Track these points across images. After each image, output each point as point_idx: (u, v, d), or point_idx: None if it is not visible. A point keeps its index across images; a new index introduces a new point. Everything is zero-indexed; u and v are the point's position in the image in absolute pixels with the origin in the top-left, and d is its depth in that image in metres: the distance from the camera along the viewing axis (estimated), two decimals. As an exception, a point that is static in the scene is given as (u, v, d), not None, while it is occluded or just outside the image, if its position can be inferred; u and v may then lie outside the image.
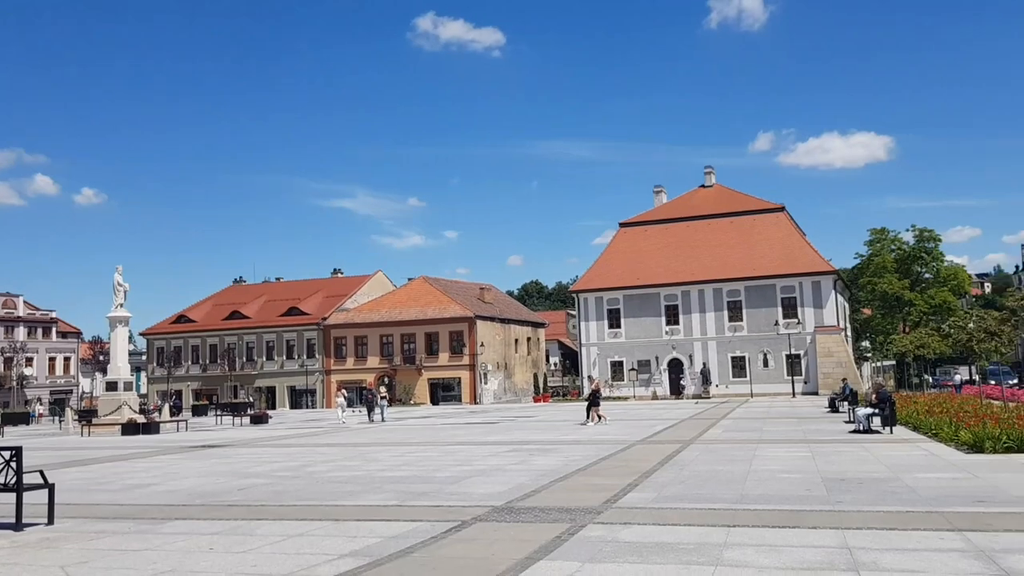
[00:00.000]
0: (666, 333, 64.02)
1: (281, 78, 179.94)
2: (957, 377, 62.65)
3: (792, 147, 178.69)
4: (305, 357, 72.31)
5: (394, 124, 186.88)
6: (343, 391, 45.00)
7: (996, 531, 7.90)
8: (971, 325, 22.83)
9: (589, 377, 60.93)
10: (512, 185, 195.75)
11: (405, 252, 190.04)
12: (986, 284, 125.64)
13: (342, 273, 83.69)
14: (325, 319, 71.74)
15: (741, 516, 9.34)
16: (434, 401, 67.09)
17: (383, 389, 42.88)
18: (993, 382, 48.35)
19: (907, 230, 73.43)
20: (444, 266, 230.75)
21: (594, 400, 30.29)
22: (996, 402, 26.40)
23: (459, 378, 67.73)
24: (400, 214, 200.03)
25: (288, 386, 73.13)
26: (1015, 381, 49.21)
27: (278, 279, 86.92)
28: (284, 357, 73.58)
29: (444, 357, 68.05)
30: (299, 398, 72.82)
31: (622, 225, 72.08)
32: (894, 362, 69.59)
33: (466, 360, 67.31)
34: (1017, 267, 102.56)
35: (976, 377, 62.50)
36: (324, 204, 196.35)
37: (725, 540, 7.99)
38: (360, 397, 59.82)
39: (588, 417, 29.73)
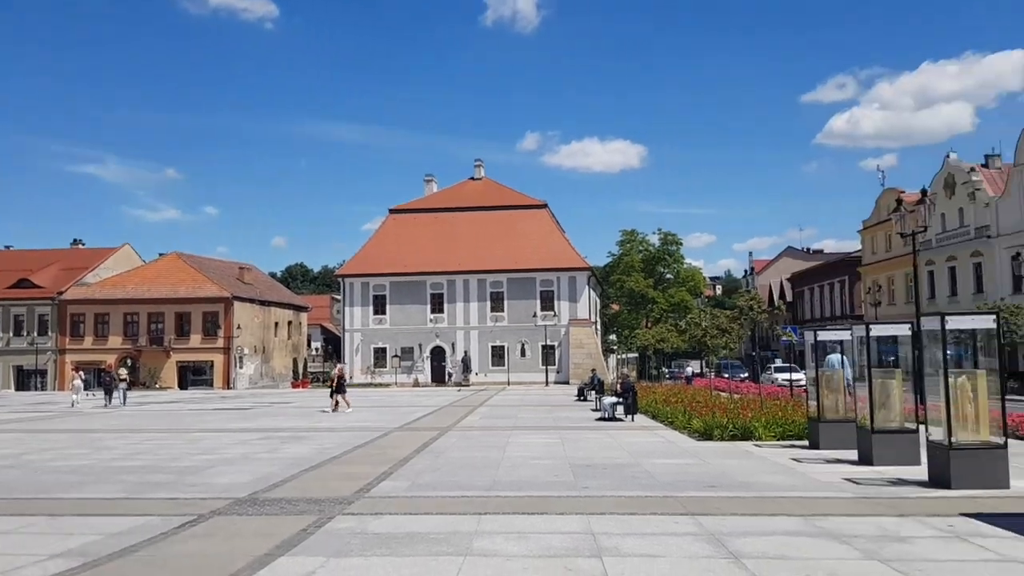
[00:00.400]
0: (431, 321, 64.44)
1: (26, 27, 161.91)
2: (689, 369, 67.84)
3: (556, 148, 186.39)
4: (36, 334, 65.58)
5: (152, 88, 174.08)
6: (79, 372, 41.17)
7: (724, 515, 8.43)
8: (705, 323, 24.75)
9: (335, 363, 59.70)
10: (280, 164, 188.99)
11: (158, 226, 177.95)
12: (718, 286, 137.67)
13: (83, 244, 76.77)
14: (61, 293, 65.43)
15: (493, 503, 9.37)
16: (183, 385, 63.26)
17: (123, 371, 39.64)
18: (728, 375, 52.97)
19: (653, 233, 78.84)
20: (202, 243, 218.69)
21: (339, 386, 29.26)
22: (724, 394, 28.82)
23: (212, 361, 64.33)
24: (155, 185, 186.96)
25: (14, 365, 66.03)
26: (746, 375, 54.39)
27: (7, 247, 78.18)
28: (11, 334, 66.32)
29: (197, 339, 64.33)
30: (27, 379, 65.96)
31: (392, 211, 71.67)
32: (637, 354, 74.45)
33: (221, 343, 64.04)
34: (745, 272, 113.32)
35: (707, 370, 68.37)
36: (66, 169, 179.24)
37: (476, 528, 7.95)
38: (98, 379, 55.13)
39: (333, 403, 28.73)
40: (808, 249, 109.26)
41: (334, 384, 29.67)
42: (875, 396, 12.37)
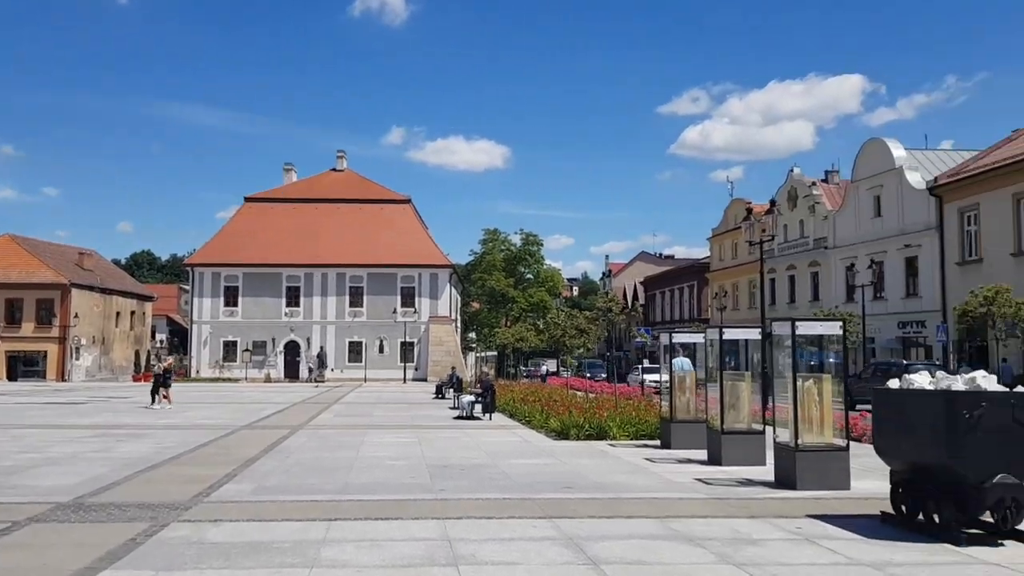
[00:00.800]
0: (285, 315, 62.51)
1: None
2: (544, 368, 68.80)
3: (422, 144, 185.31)
4: None
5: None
6: None
7: (582, 518, 8.32)
8: (564, 323, 24.99)
9: (158, 355, 56.71)
10: (130, 145, 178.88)
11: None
12: (575, 287, 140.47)
13: (-102, 221, 70.01)
14: None
15: (344, 508, 8.92)
16: (11, 377, 58.72)
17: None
18: (589, 375, 53.88)
19: (515, 233, 79.52)
20: (40, 226, 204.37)
21: (164, 381, 27.39)
22: (580, 393, 29.22)
23: (45, 352, 60.06)
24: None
25: None
26: (605, 375, 55.53)
27: None
28: None
29: (29, 327, 59.89)
30: None
31: (248, 200, 69.04)
32: (496, 353, 74.91)
33: (56, 332, 59.88)
34: (603, 274, 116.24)
35: (563, 369, 69.50)
36: None
37: (325, 536, 7.49)
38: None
39: (154, 400, 26.94)
40: (661, 254, 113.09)
41: (159, 378, 27.53)
42: (725, 398, 12.68)
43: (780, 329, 10.75)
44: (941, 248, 38.82)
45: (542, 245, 78.54)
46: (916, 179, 41.21)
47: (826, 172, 56.44)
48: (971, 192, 36.89)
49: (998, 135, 46.43)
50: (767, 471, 11.47)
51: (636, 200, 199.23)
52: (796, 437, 10.19)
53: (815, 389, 10.31)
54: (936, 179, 39.60)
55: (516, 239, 78.11)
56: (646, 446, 15.55)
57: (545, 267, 79.70)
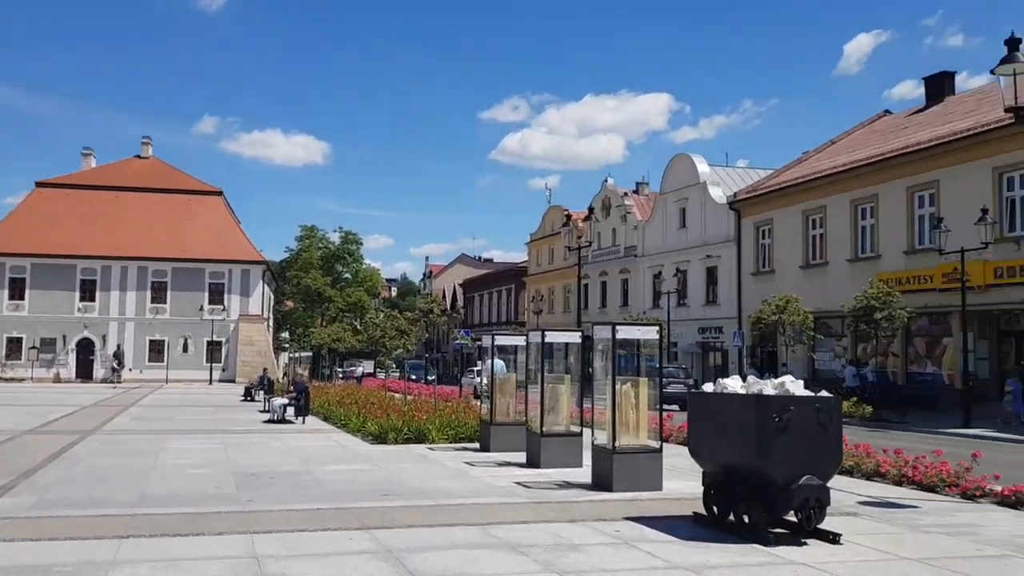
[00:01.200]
0: (79, 310, 57.86)
1: None
2: (359, 370, 67.48)
3: (236, 135, 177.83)
4: None
5: None
6: None
7: (401, 527, 8.00)
8: (384, 324, 24.53)
9: None
10: None
11: None
12: (394, 288, 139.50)
13: None
14: None
15: (139, 523, 8.13)
16: None
17: None
18: (414, 377, 53.12)
19: (334, 231, 77.86)
20: None
21: None
22: (398, 395, 28.81)
23: None
24: None
25: None
26: (434, 377, 55.10)
27: None
28: None
29: None
30: None
31: (39, 185, 63.37)
32: (311, 353, 72.92)
33: None
34: (424, 275, 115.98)
35: (380, 371, 68.62)
36: None
37: (115, 557, 6.75)
38: None
39: None
40: (480, 257, 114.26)
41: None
42: (545, 400, 12.74)
43: (600, 333, 10.89)
44: (738, 259, 41.41)
45: (361, 244, 77.43)
46: (718, 194, 43.77)
47: (637, 184, 58.98)
48: (766, 208, 39.59)
49: (785, 156, 49.99)
50: (584, 473, 11.60)
51: (457, 203, 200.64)
52: (614, 439, 10.34)
53: (632, 392, 10.52)
54: (735, 194, 42.21)
55: (335, 237, 76.50)
56: (465, 449, 15.41)
57: (364, 266, 78.51)
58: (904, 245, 31.35)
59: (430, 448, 15.53)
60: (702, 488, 8.38)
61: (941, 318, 29.94)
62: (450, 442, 16.40)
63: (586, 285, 58.83)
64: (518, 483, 11.10)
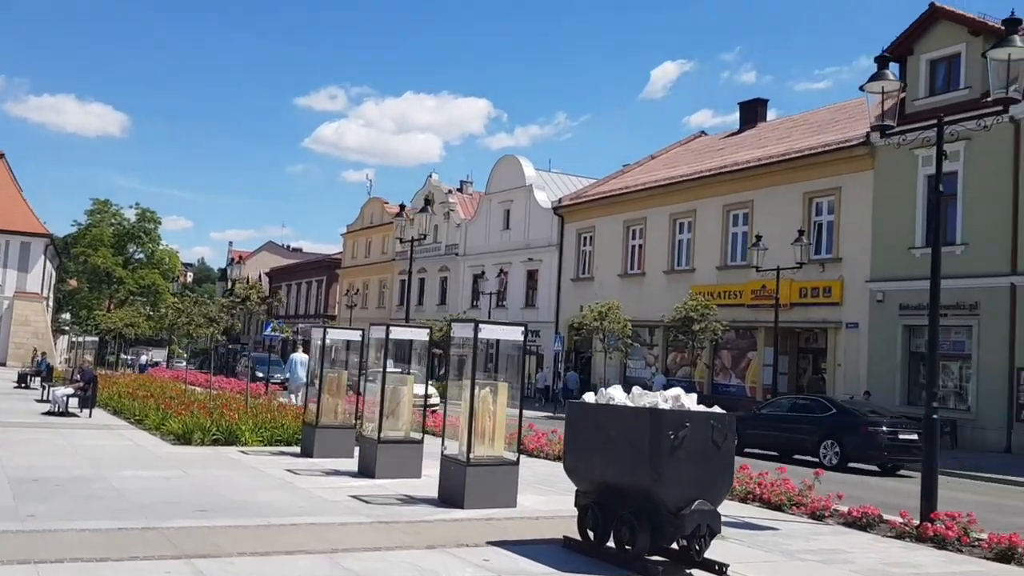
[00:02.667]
0: None
1: None
2: (144, 358, 62.40)
3: (24, 98, 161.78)
4: None
5: None
6: None
7: (230, 556, 6.64)
8: (191, 309, 22.34)
9: None
10: None
11: None
12: (191, 273, 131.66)
13: None
14: None
15: None
16: None
17: None
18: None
19: (131, 207, 71.95)
20: None
21: None
22: (199, 389, 26.39)
23: None
24: None
25: None
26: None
27: None
28: None
29: None
30: None
31: None
32: (97, 338, 66.95)
33: None
34: (229, 261, 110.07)
35: (175, 360, 63.95)
36: None
37: None
38: None
39: None
40: (288, 246, 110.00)
41: None
42: (385, 402, 11.59)
43: (460, 331, 9.92)
44: (560, 264, 41.70)
45: (160, 223, 71.84)
46: (543, 198, 43.94)
47: (461, 182, 58.44)
48: (589, 215, 40.10)
49: (594, 170, 50.94)
50: (426, 485, 10.59)
51: (265, 189, 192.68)
52: (469, 450, 9.39)
53: (490, 397, 9.62)
54: (560, 200, 42.52)
55: (131, 214, 70.54)
56: (283, 454, 13.92)
57: (161, 248, 72.93)
58: (717, 260, 32.53)
59: (243, 451, 13.90)
60: (575, 509, 7.60)
61: (748, 332, 31.26)
62: (265, 445, 14.82)
63: (403, 281, 57.65)
64: (355, 497, 9.89)
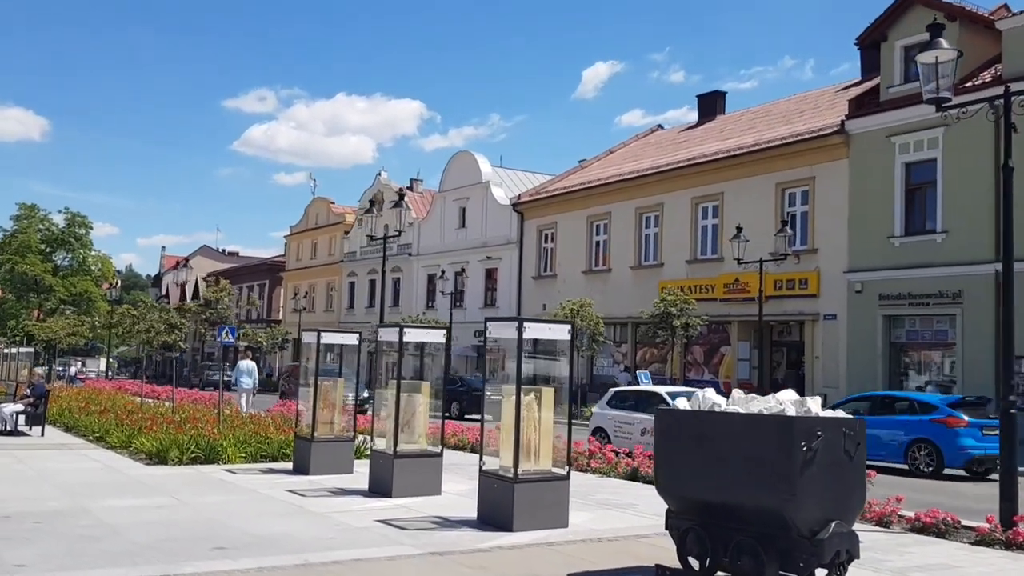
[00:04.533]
0: None
1: None
2: (72, 369, 59.48)
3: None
4: None
5: None
6: None
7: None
8: (152, 316, 20.78)
9: None
10: None
11: None
12: (119, 281, 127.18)
13: None
14: None
15: None
16: None
17: None
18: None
19: (59, 212, 68.69)
20: None
21: None
22: (151, 400, 24.64)
23: None
24: None
25: None
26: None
27: None
28: None
29: None
30: None
31: None
32: (31, 349, 63.63)
33: None
34: (161, 267, 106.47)
35: (113, 371, 61.16)
36: None
37: None
38: None
39: None
40: (224, 250, 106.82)
41: None
42: (401, 414, 10.43)
43: (499, 331, 8.83)
44: (520, 262, 40.70)
45: (91, 228, 68.70)
46: (500, 195, 42.86)
47: (411, 180, 57.04)
48: (550, 211, 39.17)
49: (534, 168, 49.46)
50: (453, 504, 9.53)
51: (194, 193, 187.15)
52: (516, 465, 8.29)
53: (535, 404, 8.56)
54: (519, 196, 41.51)
55: (60, 219, 67.27)
56: (273, 471, 12.62)
57: (94, 254, 69.77)
58: (687, 254, 31.90)
59: (228, 471, 12.55)
60: (669, 533, 6.59)
61: (720, 327, 30.68)
62: (250, 461, 13.49)
63: (352, 283, 56.04)
64: (383, 522, 8.72)
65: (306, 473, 12.14)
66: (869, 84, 29.85)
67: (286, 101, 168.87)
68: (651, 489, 11.54)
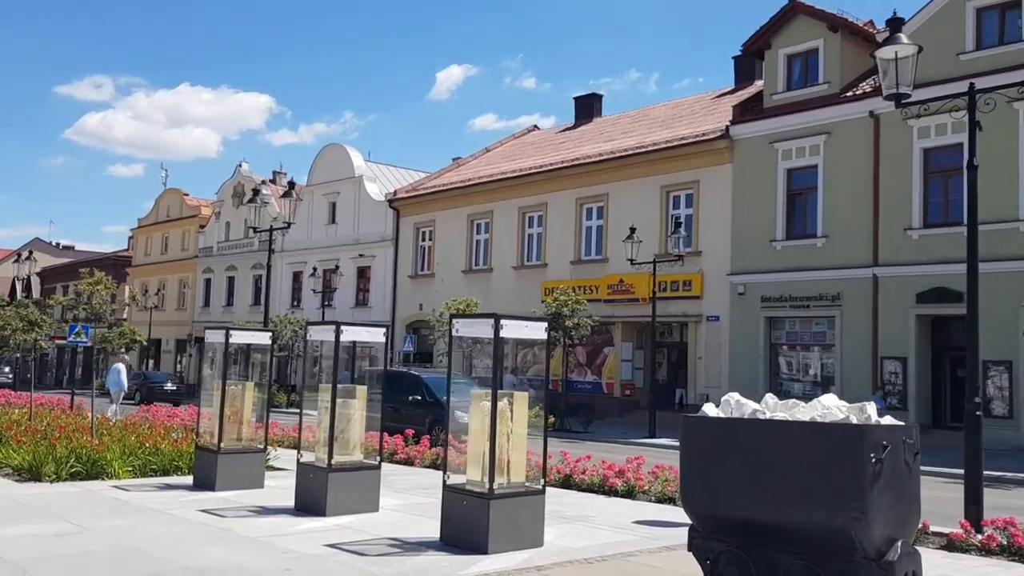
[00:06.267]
0: None
1: None
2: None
3: None
4: None
5: None
6: None
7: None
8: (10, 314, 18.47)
9: None
10: None
11: None
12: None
13: None
14: None
15: None
16: None
17: None
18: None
19: None
20: None
21: None
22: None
23: None
24: None
25: None
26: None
27: None
28: None
29: None
30: None
31: None
32: None
33: None
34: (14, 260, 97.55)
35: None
36: None
37: None
38: None
39: None
40: (59, 244, 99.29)
41: None
42: (336, 421, 9.34)
43: (470, 329, 7.93)
44: (395, 260, 39.48)
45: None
46: (375, 190, 41.46)
47: (274, 173, 54.57)
48: (429, 209, 38.17)
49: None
50: (400, 523, 8.58)
51: (21, 184, 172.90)
52: (492, 480, 7.43)
53: (507, 410, 7.74)
54: (396, 192, 40.28)
55: None
56: (170, 487, 11.17)
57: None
58: (571, 255, 31.74)
59: (119, 487, 10.99)
60: (694, 555, 5.93)
61: (604, 328, 30.64)
62: (139, 476, 11.92)
63: (208, 280, 52.97)
64: (334, 546, 7.64)
65: (211, 489, 10.78)
66: (745, 92, 30.67)
67: (124, 89, 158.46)
68: (595, 498, 11.08)
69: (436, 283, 36.74)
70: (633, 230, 25.57)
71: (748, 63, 32.40)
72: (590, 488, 11.77)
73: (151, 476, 11.98)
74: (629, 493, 11.41)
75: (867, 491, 5.09)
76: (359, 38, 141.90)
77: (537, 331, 8.19)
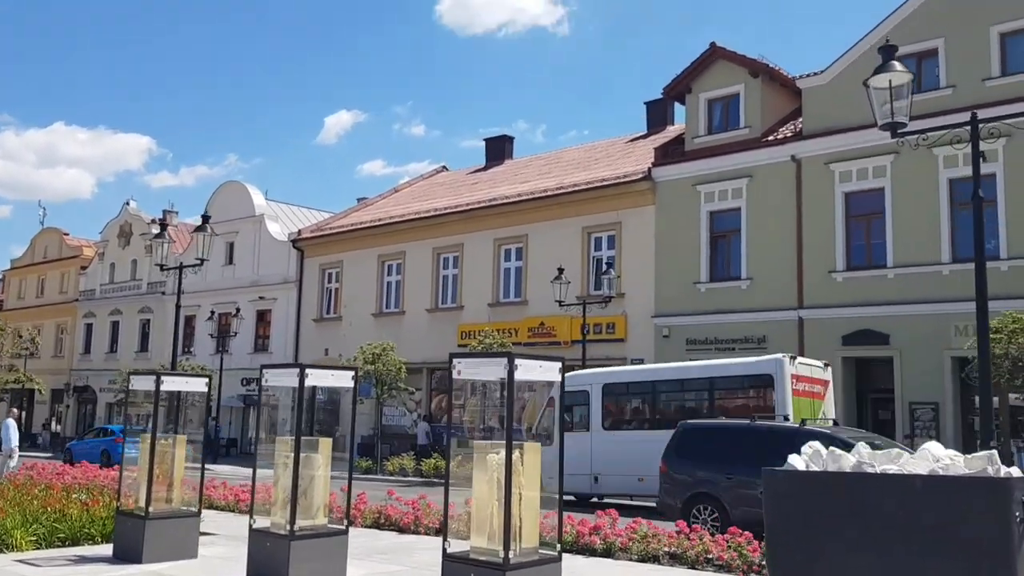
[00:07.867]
0: None
1: None
2: None
3: None
4: None
5: None
6: None
7: None
8: None
9: None
10: None
11: None
12: None
13: None
14: None
15: None
16: None
17: None
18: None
19: None
20: None
21: None
22: None
23: None
24: None
25: None
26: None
27: None
28: None
29: None
30: None
31: None
32: None
33: None
34: None
35: None
36: None
37: None
38: None
39: None
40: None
41: None
42: (299, 479, 8.06)
43: (472, 371, 6.89)
44: (299, 303, 37.68)
45: None
46: (276, 230, 39.66)
47: (165, 212, 51.68)
48: (335, 249, 36.68)
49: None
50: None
51: None
52: (507, 547, 6.36)
53: (520, 465, 6.71)
54: (300, 232, 38.62)
55: None
56: (85, 559, 9.56)
57: None
58: (489, 297, 30.88)
59: (23, 561, 9.30)
60: (783, 632, 5.03)
61: (523, 372, 29.78)
62: (44, 547, 10.20)
63: (89, 325, 49.49)
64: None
65: (137, 561, 9.24)
66: (660, 136, 30.82)
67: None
68: (575, 559, 10.07)
69: (343, 326, 35.17)
70: (561, 271, 24.98)
71: (660, 108, 32.69)
72: (565, 547, 10.75)
73: (59, 547, 10.28)
74: (608, 552, 10.45)
75: (1016, 555, 4.33)
76: (246, 79, 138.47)
77: (551, 372, 7.21)
